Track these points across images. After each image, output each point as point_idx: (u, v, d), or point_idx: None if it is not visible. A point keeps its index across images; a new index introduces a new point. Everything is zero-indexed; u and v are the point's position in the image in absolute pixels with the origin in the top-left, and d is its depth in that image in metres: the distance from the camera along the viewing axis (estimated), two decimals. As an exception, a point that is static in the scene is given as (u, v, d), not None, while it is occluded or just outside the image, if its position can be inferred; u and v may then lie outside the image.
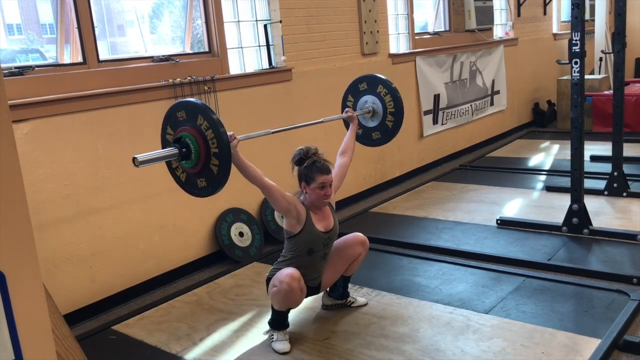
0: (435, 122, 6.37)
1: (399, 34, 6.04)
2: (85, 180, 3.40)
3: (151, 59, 3.87)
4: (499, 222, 4.31)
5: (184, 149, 2.47)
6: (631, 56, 10.13)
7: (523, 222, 4.25)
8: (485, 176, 5.79)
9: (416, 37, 6.18)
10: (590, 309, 2.99)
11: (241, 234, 4.19)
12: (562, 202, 4.34)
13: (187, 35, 4.23)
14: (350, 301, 3.19)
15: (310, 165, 2.79)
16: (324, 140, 4.72)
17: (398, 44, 6.05)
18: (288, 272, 2.71)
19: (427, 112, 6.23)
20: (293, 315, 2.99)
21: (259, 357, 2.78)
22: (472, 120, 7.05)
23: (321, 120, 3.30)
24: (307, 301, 3.11)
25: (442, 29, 6.80)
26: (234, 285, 3.63)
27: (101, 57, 3.62)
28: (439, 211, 4.77)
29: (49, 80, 3.31)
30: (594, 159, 5.88)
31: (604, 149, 5.87)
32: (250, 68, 4.54)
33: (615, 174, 4.71)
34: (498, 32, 7.71)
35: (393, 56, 5.70)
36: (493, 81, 7.36)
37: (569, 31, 3.88)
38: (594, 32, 8.40)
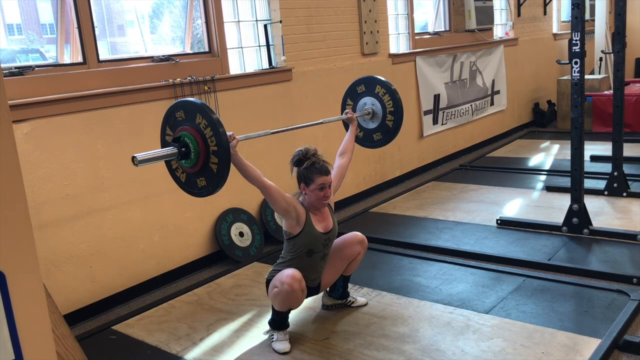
0: (435, 122, 6.37)
1: (399, 34, 6.04)
2: (85, 180, 3.40)
3: (151, 59, 3.87)
4: (499, 222, 4.31)
5: (183, 149, 2.48)
6: (631, 56, 10.13)
7: (523, 222, 4.25)
8: (485, 176, 5.79)
9: (416, 37, 6.18)
10: (590, 309, 2.99)
11: (241, 234, 4.19)
12: (562, 202, 4.34)
13: (187, 35, 4.23)
14: (350, 301, 3.19)
15: (309, 167, 2.79)
16: (324, 141, 4.74)
17: (398, 44, 6.05)
18: (289, 273, 2.71)
19: (427, 112, 6.23)
20: (293, 315, 2.99)
21: (259, 357, 2.78)
22: (472, 120, 7.05)
23: (321, 121, 3.30)
24: (307, 301, 3.11)
25: (442, 29, 6.80)
26: (234, 285, 3.63)
27: (101, 57, 3.62)
28: (439, 211, 4.77)
29: (49, 80, 3.32)
30: (594, 159, 5.89)
31: (604, 149, 5.88)
32: (250, 68, 4.55)
33: (615, 174, 4.71)
34: (498, 32, 7.71)
35: (393, 56, 5.70)
36: (493, 81, 7.36)
37: (569, 31, 3.88)
38: (594, 32, 8.40)
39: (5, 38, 3.63)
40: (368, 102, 3.41)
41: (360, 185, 5.43)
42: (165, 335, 3.06)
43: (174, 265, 3.89)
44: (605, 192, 4.75)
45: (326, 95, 4.90)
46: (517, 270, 3.50)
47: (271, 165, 4.27)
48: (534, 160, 6.42)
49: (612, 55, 6.61)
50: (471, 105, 6.96)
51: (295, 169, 2.85)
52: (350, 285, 3.21)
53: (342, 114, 3.38)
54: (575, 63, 3.80)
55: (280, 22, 4.52)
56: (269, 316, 2.90)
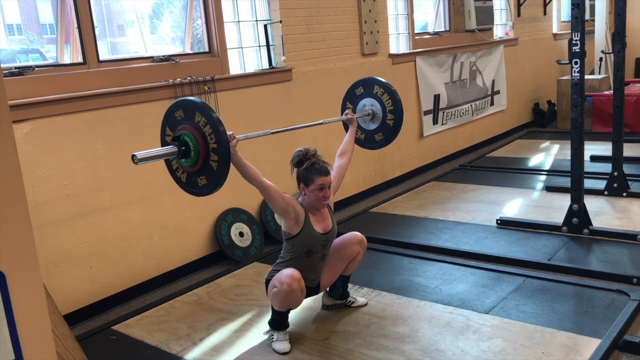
0: (435, 122, 6.37)
1: (399, 34, 6.04)
2: (85, 180, 3.40)
3: (151, 59, 3.87)
4: (499, 222, 4.31)
5: (183, 147, 2.48)
6: (631, 56, 10.13)
7: (523, 222, 4.25)
8: (485, 176, 5.79)
9: (416, 37, 6.18)
10: (590, 309, 2.99)
11: (241, 234, 4.19)
12: (562, 202, 4.34)
13: (187, 35, 4.23)
14: (350, 301, 3.19)
15: (309, 167, 2.79)
16: (324, 141, 4.74)
17: (398, 44, 6.05)
18: (288, 273, 2.71)
19: (427, 112, 6.23)
20: (293, 315, 2.99)
21: (259, 357, 2.78)
22: (472, 120, 7.05)
23: (321, 121, 3.30)
24: (307, 301, 3.11)
25: (442, 29, 6.80)
26: (234, 285, 3.63)
27: (101, 57, 3.62)
28: (439, 211, 4.77)
29: (49, 80, 3.32)
30: (594, 159, 5.88)
31: (604, 149, 5.88)
32: (250, 68, 4.55)
33: (615, 174, 4.71)
34: (498, 32, 7.71)
35: (393, 56, 5.70)
36: (493, 81, 7.36)
37: (569, 31, 3.88)
38: (594, 32, 8.41)
39: (5, 38, 3.63)
40: (367, 104, 3.42)
41: (360, 185, 5.43)
42: (165, 335, 3.06)
43: (174, 265, 3.89)
44: (605, 192, 4.75)
45: (326, 95, 4.90)
46: (517, 270, 3.50)
47: (271, 166, 4.27)
48: (534, 161, 6.42)
49: (612, 55, 6.61)
50: (471, 105, 6.96)
51: (295, 169, 2.85)
52: (350, 285, 3.21)
53: (342, 115, 3.39)
54: (575, 63, 3.80)
55: (280, 22, 4.52)
56: (269, 316, 2.90)
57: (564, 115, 7.92)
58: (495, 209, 4.69)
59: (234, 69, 4.39)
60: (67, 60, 3.58)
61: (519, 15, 7.88)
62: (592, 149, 6.06)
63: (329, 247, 2.94)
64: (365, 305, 3.19)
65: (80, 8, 3.48)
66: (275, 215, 4.42)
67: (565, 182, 4.29)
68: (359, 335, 2.88)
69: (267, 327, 2.92)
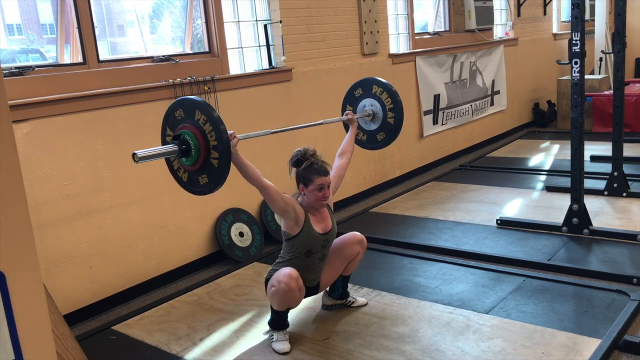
0: (435, 122, 6.37)
1: (399, 34, 6.04)
2: (85, 180, 3.40)
3: (151, 59, 3.87)
4: (499, 222, 4.31)
5: (183, 146, 2.48)
6: (631, 56, 10.13)
7: (523, 222, 4.25)
8: (485, 176, 5.79)
9: (416, 37, 6.18)
10: (590, 309, 2.99)
11: (241, 234, 4.19)
12: (562, 202, 4.34)
13: (187, 35, 4.23)
14: (350, 301, 3.19)
15: (308, 167, 2.79)
16: (324, 141, 4.74)
17: (398, 44, 6.05)
18: (286, 272, 2.71)
19: (427, 112, 6.23)
20: (293, 315, 2.99)
21: (259, 357, 2.78)
22: (472, 120, 7.05)
23: (321, 122, 3.30)
24: (307, 301, 3.12)
25: (442, 29, 6.80)
26: (234, 285, 3.63)
27: (101, 57, 3.62)
28: (439, 211, 4.77)
29: (49, 80, 3.32)
30: (594, 159, 5.88)
31: (604, 149, 5.88)
32: (250, 68, 4.55)
33: (615, 174, 4.71)
34: (498, 32, 7.71)
35: (393, 56, 5.70)
36: (493, 81, 7.36)
37: (569, 31, 3.88)
38: (594, 32, 8.41)
39: (5, 38, 3.63)
40: (367, 104, 3.42)
41: (360, 186, 5.43)
42: (165, 335, 3.06)
43: (174, 266, 3.89)
44: (605, 192, 4.75)
45: (326, 95, 4.90)
46: (517, 270, 3.50)
47: (271, 166, 4.27)
48: (534, 161, 6.42)
49: (612, 55, 6.61)
50: (471, 105, 6.96)
51: (294, 169, 2.85)
52: (350, 285, 3.21)
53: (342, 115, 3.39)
54: (575, 63, 3.80)
55: (280, 22, 4.52)
56: (268, 316, 2.90)
57: (564, 115, 7.92)
58: (495, 209, 4.69)
59: (234, 69, 4.39)
60: (67, 60, 3.58)
61: (519, 15, 7.88)
62: (592, 149, 6.06)
63: (329, 247, 2.94)
64: (365, 305, 3.19)
65: (80, 8, 3.48)
66: (275, 215, 4.42)
67: (565, 182, 4.29)
68: (359, 335, 2.88)
69: (267, 327, 2.92)
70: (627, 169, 4.81)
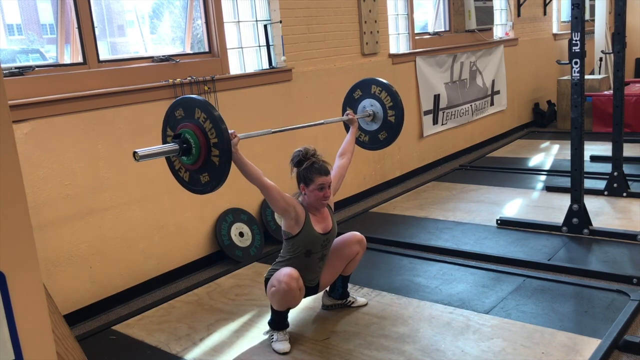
0: (435, 122, 6.37)
1: (399, 34, 6.04)
2: (85, 180, 3.40)
3: (151, 59, 3.87)
4: (499, 222, 4.31)
5: (184, 145, 2.49)
6: (631, 56, 10.13)
7: (523, 222, 4.25)
8: (485, 176, 5.79)
9: (416, 37, 6.18)
10: (590, 309, 2.99)
11: (241, 234, 4.19)
12: (562, 202, 4.34)
13: (187, 35, 4.23)
14: (350, 301, 3.19)
15: (309, 167, 2.79)
16: (324, 141, 4.74)
17: (398, 44, 6.05)
18: (286, 272, 2.71)
19: (427, 112, 6.23)
20: (293, 315, 2.99)
21: (259, 357, 2.78)
22: (472, 120, 7.05)
23: (322, 122, 3.30)
24: (307, 301, 3.12)
25: (442, 29, 6.80)
26: (234, 285, 3.63)
27: (101, 57, 3.62)
28: (439, 211, 4.77)
29: (49, 80, 3.32)
30: (594, 159, 5.89)
31: (604, 149, 5.88)
32: (250, 68, 4.55)
33: (615, 174, 4.71)
34: (498, 32, 7.71)
35: (393, 56, 5.70)
36: (493, 81, 7.36)
37: (569, 31, 3.88)
38: (594, 32, 8.40)
39: (5, 38, 3.63)
40: (367, 105, 3.43)
41: (360, 186, 5.43)
42: (165, 335, 3.06)
43: (174, 266, 3.89)
44: (605, 192, 4.75)
45: (326, 95, 4.90)
46: (517, 270, 3.50)
47: (271, 166, 4.27)
48: (534, 161, 6.42)
49: (612, 55, 6.61)
50: (471, 105, 6.96)
51: (294, 169, 2.86)
52: (350, 285, 3.21)
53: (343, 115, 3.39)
54: (575, 63, 3.80)
55: (280, 22, 4.52)
56: (268, 316, 2.90)
57: (564, 115, 7.92)
58: (495, 209, 4.69)
59: (234, 69, 4.39)
60: (67, 60, 3.58)
61: (519, 15, 7.88)
62: (592, 149, 6.06)
63: (329, 247, 2.94)
64: (365, 305, 3.19)
65: (80, 8, 3.48)
66: (275, 215, 4.42)
67: (565, 182, 4.29)
68: (359, 335, 2.88)
69: (267, 327, 2.91)
70: (627, 169, 4.81)
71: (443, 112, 6.47)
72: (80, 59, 3.54)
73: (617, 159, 4.67)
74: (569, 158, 3.99)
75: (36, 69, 3.31)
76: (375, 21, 5.38)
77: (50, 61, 3.63)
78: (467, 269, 3.58)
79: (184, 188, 2.67)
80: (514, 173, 5.86)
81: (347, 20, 5.13)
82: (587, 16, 7.72)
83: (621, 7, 4.47)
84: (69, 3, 3.49)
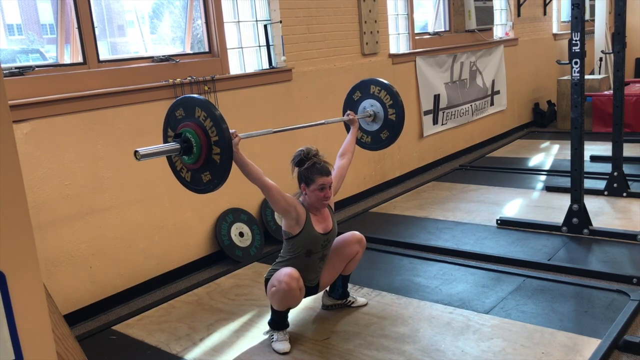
0: (435, 122, 6.37)
1: (399, 34, 6.04)
2: (85, 180, 3.40)
3: (151, 59, 3.87)
4: (499, 222, 4.31)
5: (185, 144, 2.49)
6: (631, 56, 10.13)
7: (523, 222, 4.25)
8: (485, 176, 5.79)
9: (416, 37, 6.18)
10: (590, 309, 2.99)
11: (241, 234, 4.19)
12: (562, 202, 4.34)
13: (187, 35, 4.23)
14: (350, 301, 3.19)
15: (310, 167, 2.79)
16: (324, 141, 4.74)
17: (398, 44, 6.05)
18: (287, 272, 2.71)
19: (427, 112, 6.23)
20: (293, 315, 2.99)
21: (259, 357, 2.78)
22: (472, 120, 7.05)
23: (322, 122, 3.30)
24: (307, 301, 3.12)
25: (442, 29, 6.80)
26: (234, 285, 3.63)
27: (101, 57, 3.62)
28: (439, 211, 4.77)
29: (49, 80, 3.32)
30: (594, 159, 5.89)
31: (604, 149, 5.88)
32: (251, 68, 4.55)
33: (615, 174, 4.71)
34: (498, 32, 7.71)
35: (393, 56, 5.70)
36: (493, 81, 7.36)
37: (569, 31, 3.88)
38: (594, 32, 8.40)
39: (5, 38, 3.63)
40: (367, 105, 3.43)
41: (360, 186, 5.43)
42: (165, 335, 3.06)
43: (174, 266, 3.89)
44: (605, 192, 4.75)
45: (326, 95, 4.90)
46: (517, 270, 3.50)
47: (271, 166, 4.27)
48: (534, 161, 6.42)
49: (612, 55, 6.61)
50: (471, 105, 6.96)
51: (296, 169, 2.86)
52: (350, 285, 3.21)
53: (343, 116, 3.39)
54: (575, 63, 3.80)
55: (280, 22, 4.52)
56: (268, 316, 2.90)
57: (564, 115, 7.92)
58: (495, 209, 4.69)
59: (234, 69, 4.39)
60: (67, 60, 3.58)
61: (519, 15, 7.88)
62: (592, 149, 6.06)
63: (329, 247, 2.94)
64: (365, 305, 3.19)
65: (80, 8, 3.48)
66: (276, 215, 4.42)
67: (565, 182, 4.29)
68: (359, 335, 2.88)
69: (267, 327, 2.91)
70: (627, 169, 4.81)
71: (443, 112, 6.47)
72: (80, 59, 3.54)
73: (617, 159, 4.67)
74: (569, 158, 3.99)
75: (36, 69, 3.31)
76: (375, 21, 5.38)
77: (50, 61, 3.63)
78: (467, 269, 3.58)
79: (187, 188, 2.67)
80: (514, 173, 5.86)
81: (347, 20, 5.13)
82: (587, 16, 7.72)
83: (621, 7, 4.47)
84: (69, 3, 3.49)
